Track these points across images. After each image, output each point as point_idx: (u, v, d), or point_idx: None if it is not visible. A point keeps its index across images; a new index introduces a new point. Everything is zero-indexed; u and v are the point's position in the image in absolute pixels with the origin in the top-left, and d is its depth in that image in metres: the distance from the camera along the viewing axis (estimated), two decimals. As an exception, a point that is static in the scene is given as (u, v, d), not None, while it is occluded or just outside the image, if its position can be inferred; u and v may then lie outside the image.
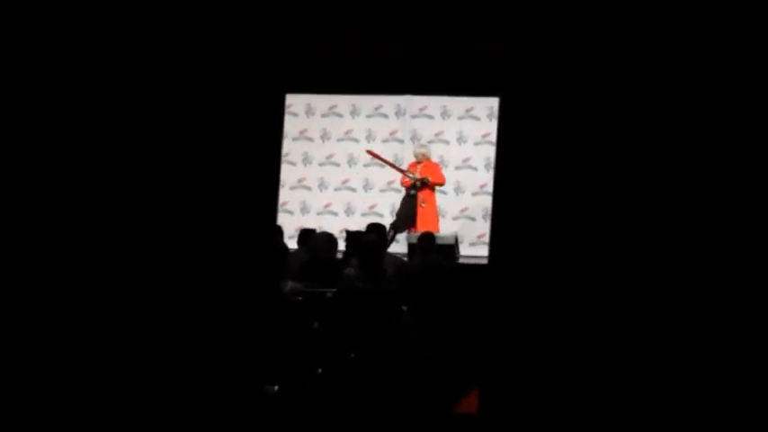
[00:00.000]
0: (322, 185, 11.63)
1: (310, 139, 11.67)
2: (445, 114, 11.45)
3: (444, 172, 10.78)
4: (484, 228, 10.79)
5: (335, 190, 11.60)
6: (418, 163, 10.57)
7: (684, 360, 3.14)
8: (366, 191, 11.56)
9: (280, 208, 10.21)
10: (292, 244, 8.33)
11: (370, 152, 11.12)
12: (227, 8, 3.56)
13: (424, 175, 10.44)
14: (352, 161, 11.59)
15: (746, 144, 3.16)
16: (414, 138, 11.36)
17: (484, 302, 3.42)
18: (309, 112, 11.68)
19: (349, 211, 11.54)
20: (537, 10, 3.34)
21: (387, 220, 10.40)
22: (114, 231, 3.52)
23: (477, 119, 11.36)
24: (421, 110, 11.50)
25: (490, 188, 10.37)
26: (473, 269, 8.66)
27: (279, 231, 7.06)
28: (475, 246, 10.89)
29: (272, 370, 4.95)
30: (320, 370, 5.37)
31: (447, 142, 11.39)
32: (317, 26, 10.46)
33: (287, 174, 11.13)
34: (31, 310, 3.52)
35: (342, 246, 7.81)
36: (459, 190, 11.27)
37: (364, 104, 11.58)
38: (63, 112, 3.57)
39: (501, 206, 3.41)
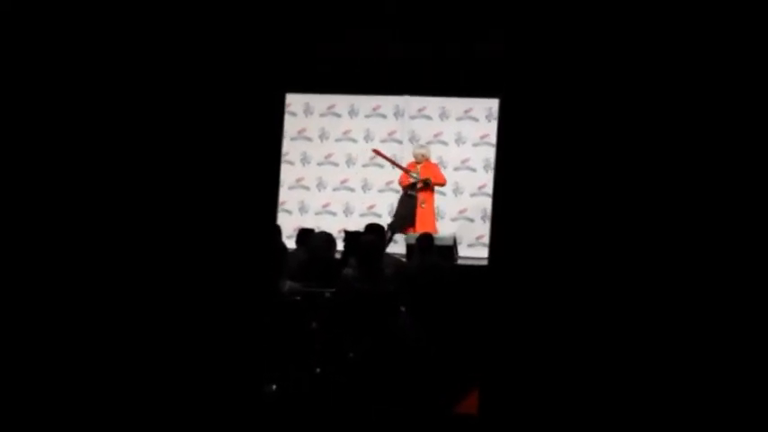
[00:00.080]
0: (320, 185, 11.62)
1: (309, 139, 11.67)
2: (444, 115, 11.45)
3: (443, 173, 10.78)
4: (482, 229, 10.79)
5: (334, 190, 11.60)
6: (418, 163, 10.56)
7: (684, 360, 3.15)
8: (365, 191, 11.55)
9: (278, 207, 10.18)
10: (291, 243, 8.32)
11: (375, 151, 11.10)
12: (227, 8, 3.57)
13: (425, 176, 10.44)
14: (350, 161, 11.59)
15: (746, 144, 3.16)
16: (412, 138, 11.35)
17: (483, 303, 3.42)
18: (308, 111, 11.68)
19: (347, 212, 11.53)
20: (537, 10, 3.34)
21: (385, 221, 10.39)
22: (113, 231, 3.52)
23: (475, 120, 11.36)
24: (419, 110, 11.49)
25: (489, 189, 10.39)
26: (471, 270, 8.65)
27: (277, 231, 7.05)
28: (473, 247, 10.89)
29: (271, 369, 4.95)
30: (318, 370, 5.37)
31: (446, 143, 11.39)
32: (317, 26, 10.46)
33: (285, 173, 11.11)
34: (31, 310, 3.51)
35: (340, 246, 7.81)
36: (457, 191, 11.27)
37: (363, 104, 11.58)
38: (63, 111, 3.57)
39: (501, 207, 3.41)
